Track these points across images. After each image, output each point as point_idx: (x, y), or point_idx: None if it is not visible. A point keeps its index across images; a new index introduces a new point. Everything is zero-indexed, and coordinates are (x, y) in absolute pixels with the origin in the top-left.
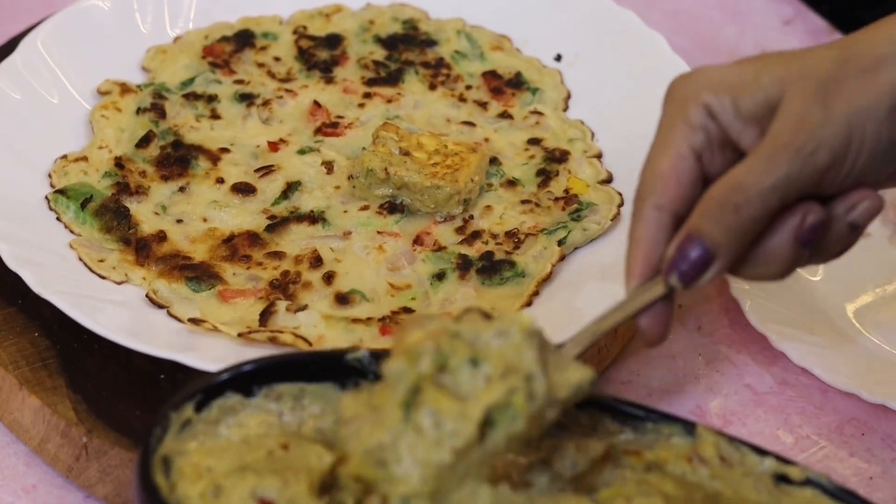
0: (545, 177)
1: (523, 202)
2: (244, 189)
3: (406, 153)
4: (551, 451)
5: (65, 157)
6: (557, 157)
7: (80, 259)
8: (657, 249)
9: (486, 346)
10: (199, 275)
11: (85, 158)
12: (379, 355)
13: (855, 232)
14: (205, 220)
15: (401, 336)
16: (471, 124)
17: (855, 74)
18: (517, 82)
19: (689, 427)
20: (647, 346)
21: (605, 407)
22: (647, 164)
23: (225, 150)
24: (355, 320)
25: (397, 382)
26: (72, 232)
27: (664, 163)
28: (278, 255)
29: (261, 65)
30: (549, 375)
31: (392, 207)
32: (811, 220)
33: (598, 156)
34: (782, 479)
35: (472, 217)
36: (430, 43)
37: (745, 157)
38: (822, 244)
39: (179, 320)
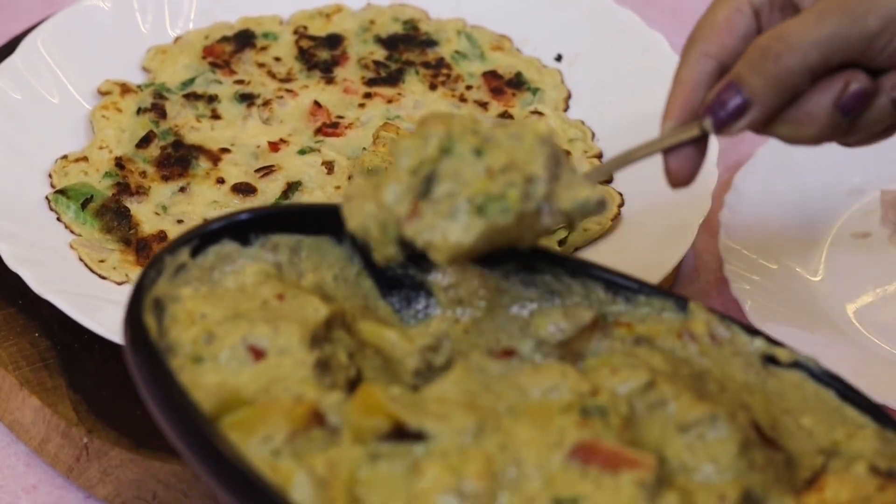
0: None
1: None
2: (245, 189)
3: None
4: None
5: (65, 157)
6: None
7: (81, 259)
8: (698, 94)
9: (496, 142)
10: None
11: (85, 158)
12: None
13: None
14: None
15: (420, 123)
16: None
17: None
18: (517, 82)
19: (681, 303)
20: (672, 186)
21: (598, 277)
22: (706, 14)
23: (225, 151)
24: None
25: (403, 158)
26: (72, 232)
27: (720, 13)
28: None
29: (261, 65)
30: (554, 184)
31: None
32: (854, 87)
33: (599, 156)
34: (770, 360)
35: None
36: (431, 43)
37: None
38: (863, 118)
39: None
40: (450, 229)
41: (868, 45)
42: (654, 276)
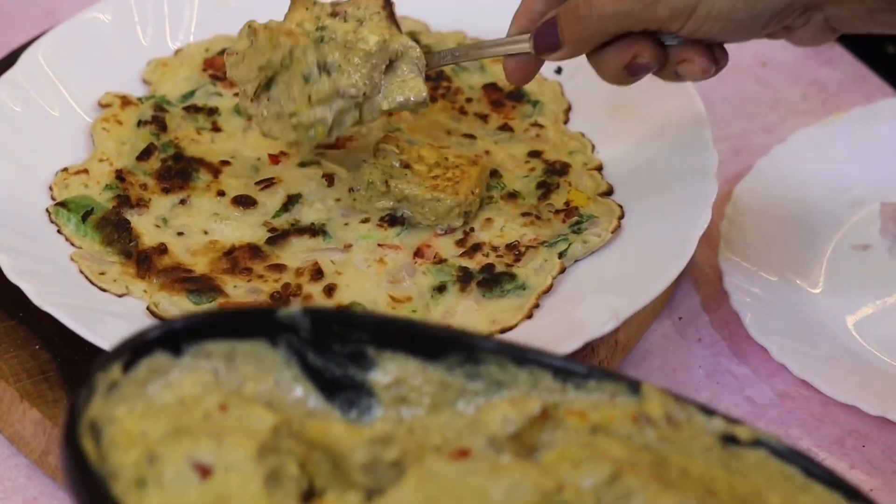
0: (546, 189)
1: (524, 214)
2: (245, 202)
3: (407, 166)
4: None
5: (65, 169)
6: (558, 170)
7: (81, 271)
8: (536, 16)
9: (334, 64)
10: (200, 287)
11: (86, 171)
12: (312, 312)
13: (680, 79)
14: (206, 232)
15: (281, 30)
16: (471, 137)
17: None
18: (517, 95)
19: (633, 385)
20: (509, 82)
21: (545, 364)
22: None
23: (226, 163)
24: None
25: (257, 55)
26: (72, 244)
27: None
28: (279, 268)
29: None
30: (381, 83)
31: (393, 220)
32: (640, 60)
33: (599, 168)
34: (731, 440)
35: (472, 230)
36: None
37: None
38: (658, 75)
39: None
40: (273, 128)
41: (660, 26)
42: (654, 288)
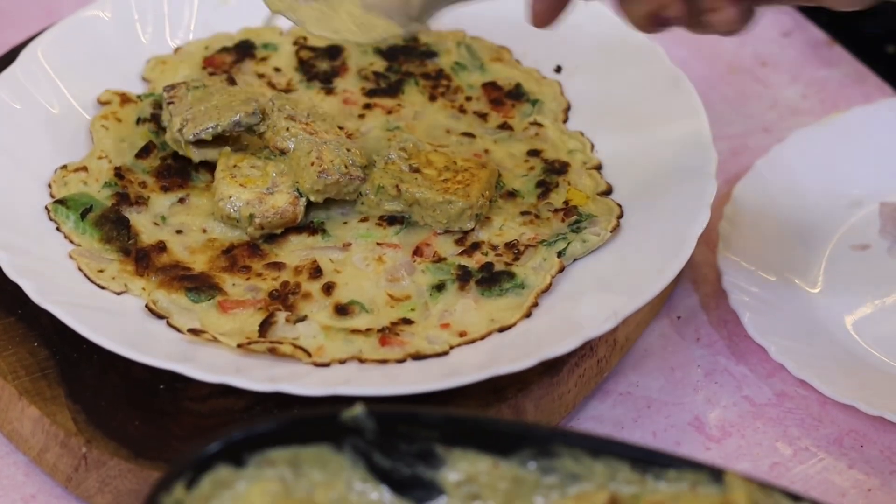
0: (545, 188)
1: (523, 213)
2: None
3: (416, 170)
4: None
5: (65, 167)
6: (557, 169)
7: (80, 269)
8: None
9: None
10: (198, 285)
11: (85, 168)
12: (377, 413)
13: (707, 30)
14: (204, 230)
15: None
16: (470, 135)
17: None
18: (517, 93)
19: (715, 474)
20: (533, 23)
21: (622, 455)
22: None
23: None
24: (354, 331)
25: None
26: (71, 242)
27: None
28: (278, 266)
29: (261, 75)
30: None
31: (392, 219)
32: (667, 12)
33: (598, 167)
34: None
35: (472, 228)
36: (430, 54)
37: None
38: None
39: (179, 331)
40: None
41: None
42: (653, 288)
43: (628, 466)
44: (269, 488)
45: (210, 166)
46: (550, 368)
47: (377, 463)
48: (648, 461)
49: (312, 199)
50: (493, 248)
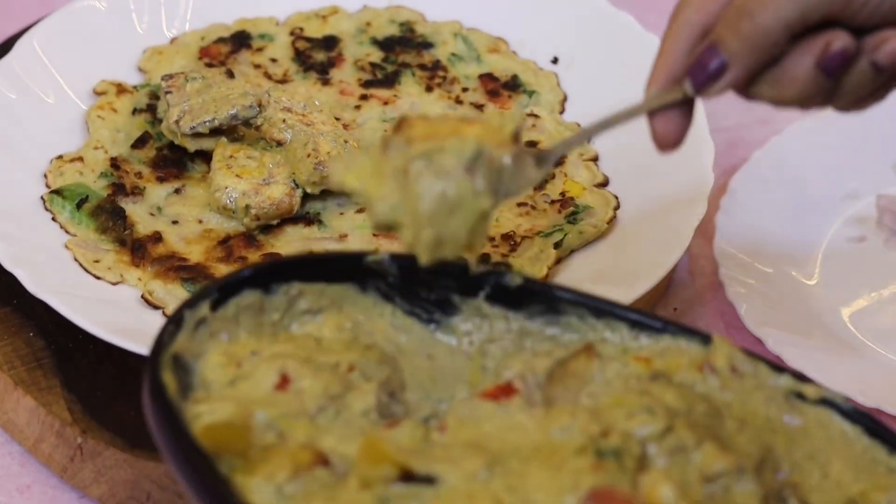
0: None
1: (519, 205)
2: None
3: None
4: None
5: (60, 157)
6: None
7: (76, 259)
8: (681, 61)
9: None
10: (194, 276)
11: (80, 159)
12: (400, 258)
13: (879, 74)
14: (200, 221)
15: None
16: None
17: None
18: (513, 85)
19: (705, 338)
20: (659, 148)
21: (622, 317)
22: None
23: None
24: None
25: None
26: (67, 232)
27: None
28: (274, 257)
29: (257, 66)
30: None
31: None
32: (836, 46)
33: (595, 159)
34: (795, 395)
35: None
36: (427, 45)
37: None
38: (847, 82)
39: None
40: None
41: (846, 2)
42: (650, 279)
43: (626, 327)
44: (342, 324)
45: (206, 157)
46: None
47: (399, 306)
48: (644, 324)
49: (309, 190)
50: (490, 239)
